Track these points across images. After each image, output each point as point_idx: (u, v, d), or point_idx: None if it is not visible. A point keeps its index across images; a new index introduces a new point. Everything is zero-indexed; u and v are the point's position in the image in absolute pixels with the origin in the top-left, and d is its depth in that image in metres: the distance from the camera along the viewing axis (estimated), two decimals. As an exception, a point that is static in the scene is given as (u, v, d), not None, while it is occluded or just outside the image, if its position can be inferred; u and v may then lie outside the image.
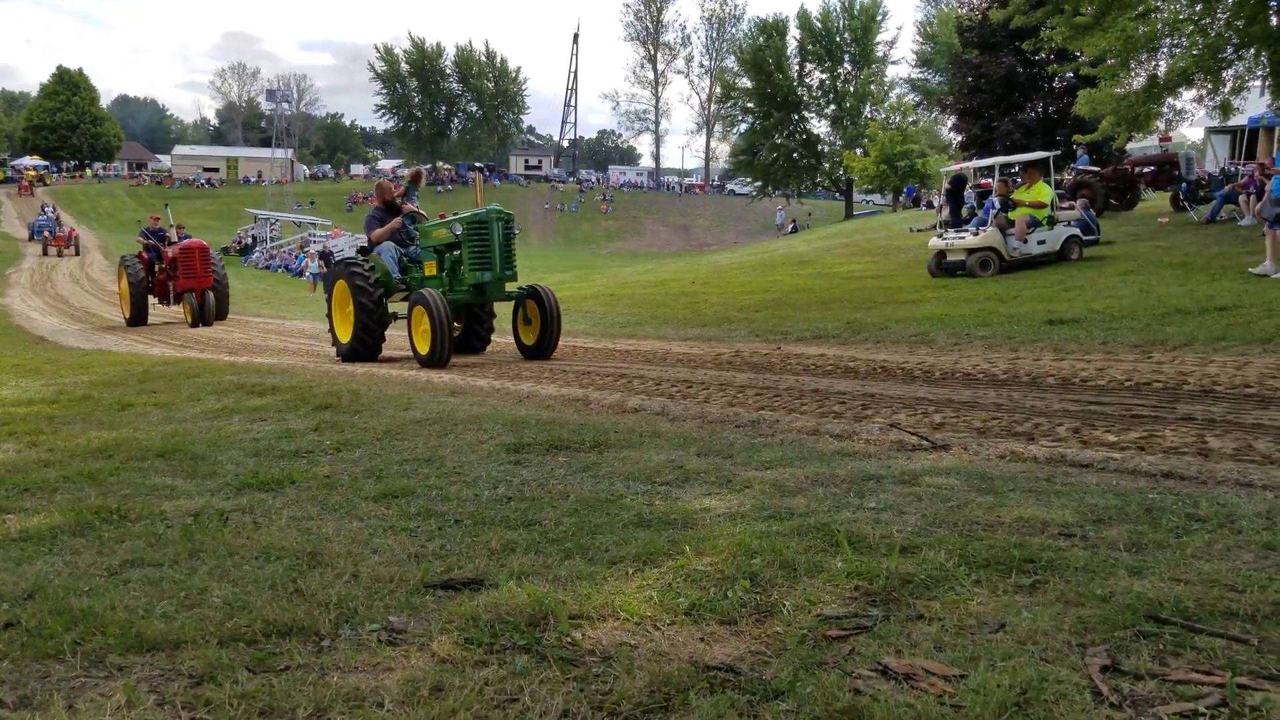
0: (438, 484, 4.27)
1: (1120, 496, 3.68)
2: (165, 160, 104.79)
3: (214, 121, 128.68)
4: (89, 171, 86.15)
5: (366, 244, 12.25)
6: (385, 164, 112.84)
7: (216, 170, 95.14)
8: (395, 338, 12.24)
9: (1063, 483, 4.02)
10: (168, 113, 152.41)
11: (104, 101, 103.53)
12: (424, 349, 10.36)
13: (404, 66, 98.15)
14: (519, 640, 2.45)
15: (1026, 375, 7.55)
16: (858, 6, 64.58)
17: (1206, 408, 5.85)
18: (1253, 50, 17.71)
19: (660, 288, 22.51)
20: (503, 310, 12.44)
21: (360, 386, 8.01)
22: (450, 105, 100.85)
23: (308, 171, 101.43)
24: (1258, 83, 19.09)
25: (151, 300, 22.11)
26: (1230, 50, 18.00)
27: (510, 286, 11.19)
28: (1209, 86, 19.26)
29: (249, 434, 5.79)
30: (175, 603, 2.79)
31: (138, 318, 21.26)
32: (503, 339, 12.84)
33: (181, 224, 24.73)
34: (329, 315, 12.12)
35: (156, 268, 21.86)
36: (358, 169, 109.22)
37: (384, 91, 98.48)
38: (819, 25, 64.74)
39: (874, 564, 2.91)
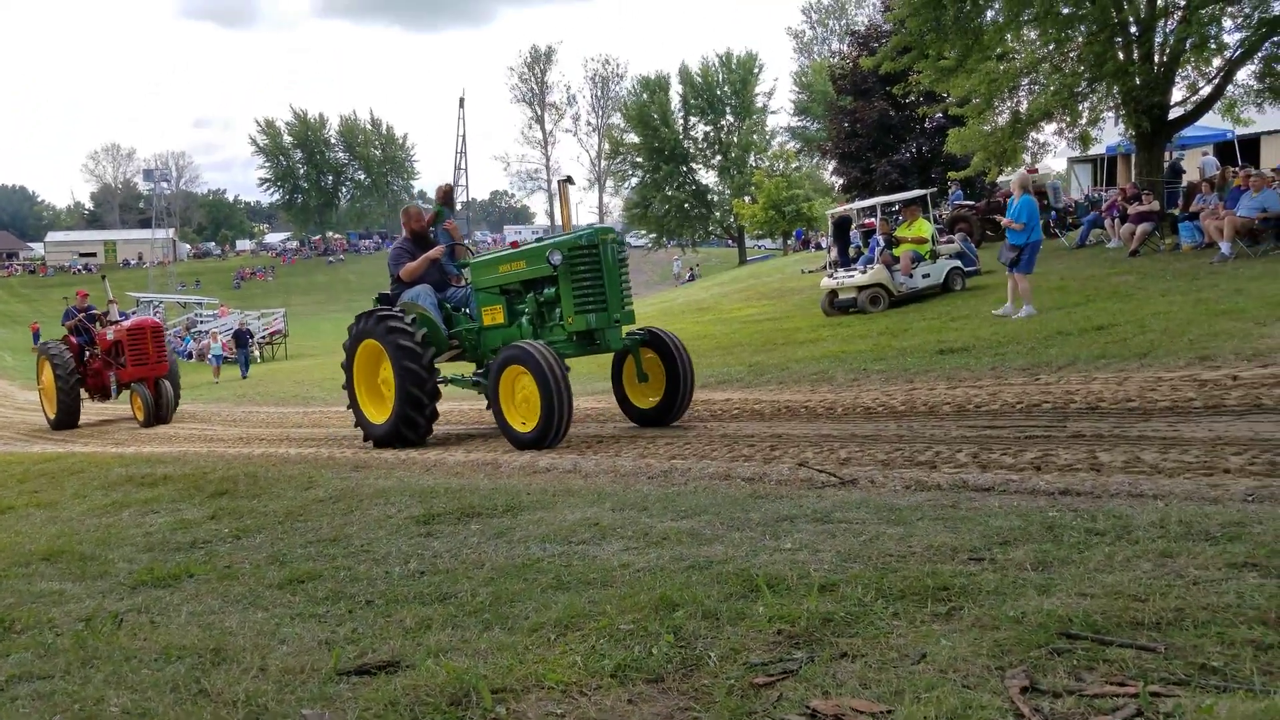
0: (345, 564, 4.13)
1: (1022, 517, 3.79)
2: (38, 248, 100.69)
3: (89, 205, 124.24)
4: None
5: (390, 288, 9.61)
6: (272, 237, 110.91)
7: (94, 255, 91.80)
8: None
9: (967, 508, 4.12)
10: (39, 199, 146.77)
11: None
12: (527, 424, 7.72)
13: (287, 139, 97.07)
14: (441, 721, 2.37)
15: (923, 405, 7.75)
16: (734, 61, 66.73)
17: (1094, 424, 6.10)
18: (1104, 84, 18.88)
19: (562, 344, 22.41)
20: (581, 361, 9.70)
21: (258, 468, 7.74)
22: (337, 174, 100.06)
23: (191, 250, 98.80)
24: (1111, 113, 20.34)
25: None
26: (1084, 85, 19.16)
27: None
28: (1067, 119, 20.44)
29: (141, 528, 5.53)
30: (69, 717, 2.62)
31: (67, 418, 16.95)
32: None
33: (115, 299, 20.36)
34: (349, 387, 9.39)
35: (87, 354, 17.67)
36: (244, 244, 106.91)
37: (267, 165, 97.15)
38: (699, 79, 66.66)
39: (794, 606, 2.92)
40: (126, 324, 17.36)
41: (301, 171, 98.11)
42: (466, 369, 10.12)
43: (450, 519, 4.90)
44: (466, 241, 10.16)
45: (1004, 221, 13.39)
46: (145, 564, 4.51)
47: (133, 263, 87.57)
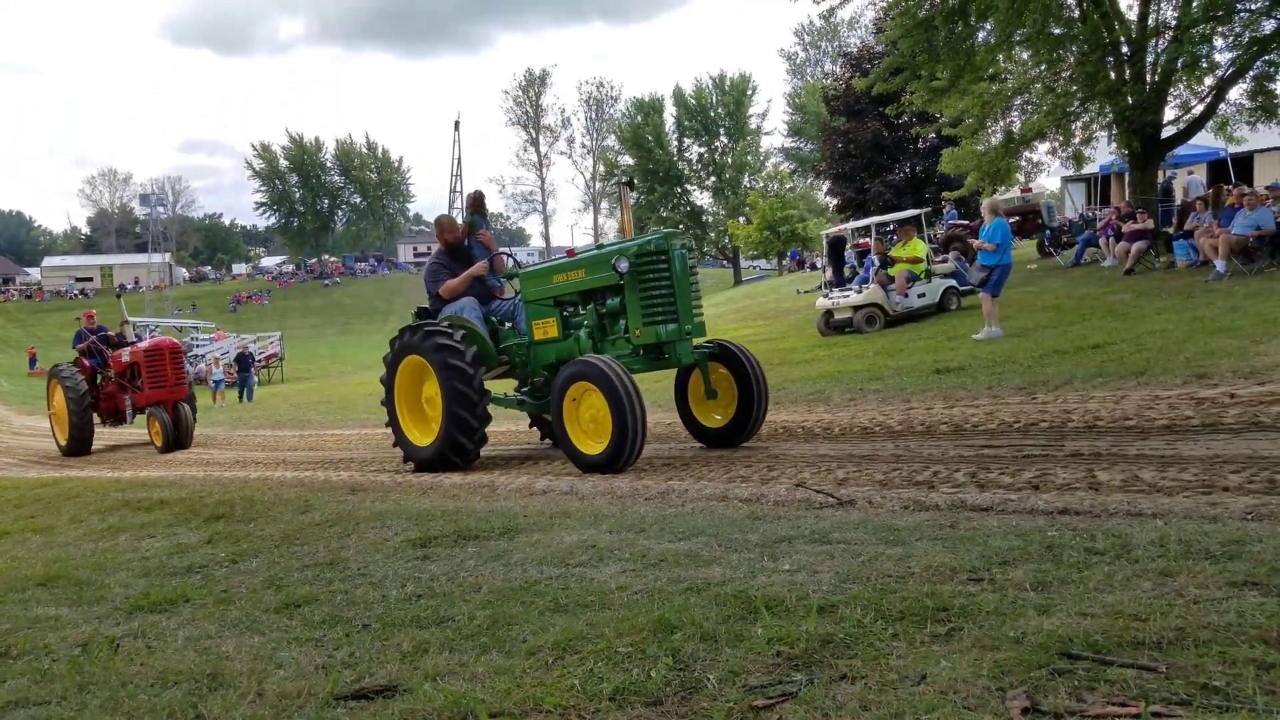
0: (342, 588, 4.11)
1: (1021, 537, 3.78)
2: (34, 273, 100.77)
3: (85, 230, 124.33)
4: None
5: (430, 304, 9.07)
6: (268, 261, 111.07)
7: (90, 280, 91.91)
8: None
9: (965, 528, 4.11)
10: (36, 224, 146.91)
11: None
12: (594, 446, 7.14)
13: (283, 163, 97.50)
14: (439, 746, 2.35)
15: (920, 425, 7.75)
16: (728, 82, 67.22)
17: (1092, 443, 6.10)
18: (1096, 103, 19.01)
19: (559, 366, 22.36)
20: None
21: (254, 492, 7.72)
22: (333, 198, 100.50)
23: (187, 275, 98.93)
24: (1104, 133, 20.46)
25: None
26: (1076, 105, 19.29)
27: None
28: (1060, 139, 20.56)
29: (138, 553, 5.51)
30: (62, 745, 2.60)
31: (79, 444, 15.82)
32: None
33: (129, 319, 19.61)
34: (389, 408, 8.74)
35: (100, 378, 16.57)
36: (240, 268, 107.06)
37: (263, 189, 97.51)
38: (693, 101, 67.14)
39: (793, 627, 2.91)
40: (144, 345, 16.39)
41: (297, 195, 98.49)
42: (502, 385, 9.78)
43: (447, 542, 4.88)
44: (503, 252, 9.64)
45: (976, 243, 13.82)
46: (141, 589, 4.49)
47: (129, 287, 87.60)
